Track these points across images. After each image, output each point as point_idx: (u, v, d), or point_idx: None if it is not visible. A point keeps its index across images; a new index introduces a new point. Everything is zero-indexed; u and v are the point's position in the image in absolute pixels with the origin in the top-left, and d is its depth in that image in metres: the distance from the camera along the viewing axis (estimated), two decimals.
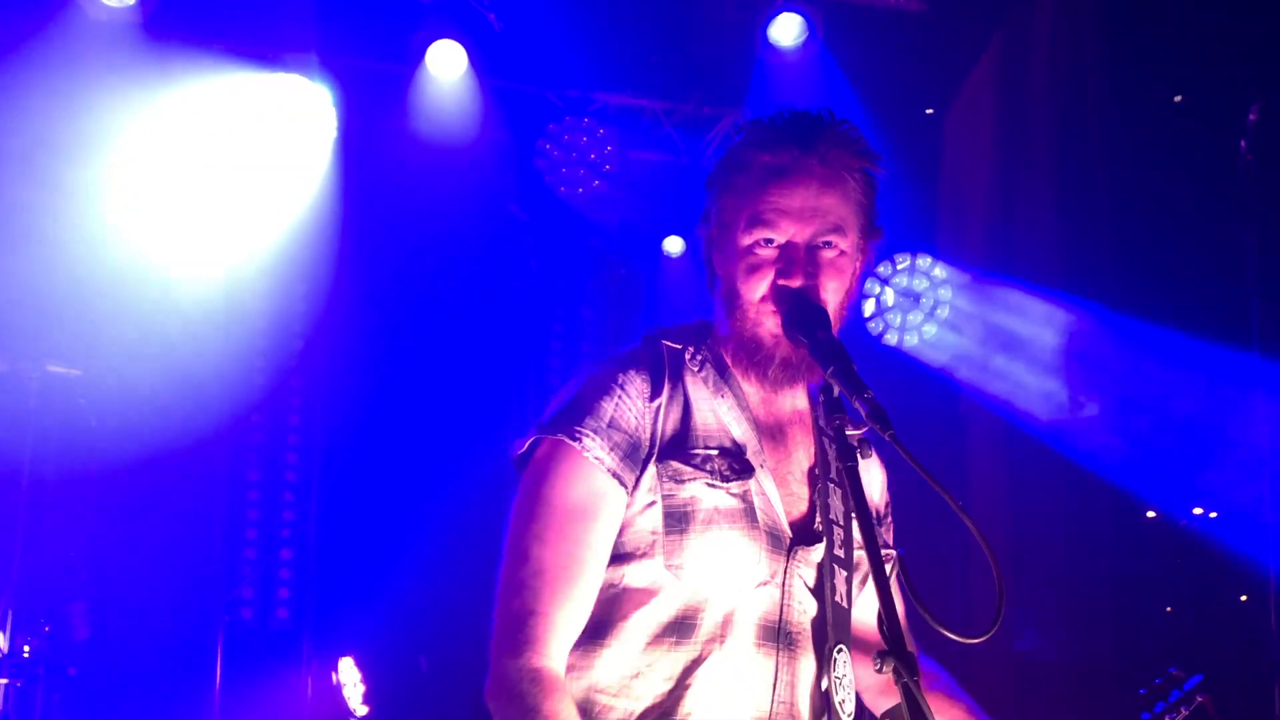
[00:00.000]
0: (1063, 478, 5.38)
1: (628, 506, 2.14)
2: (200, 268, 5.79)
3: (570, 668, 2.11)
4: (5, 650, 4.40)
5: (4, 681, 4.50)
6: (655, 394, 2.21)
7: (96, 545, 5.31)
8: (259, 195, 5.92)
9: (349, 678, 5.71)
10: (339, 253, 6.10)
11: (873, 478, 2.40)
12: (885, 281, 6.00)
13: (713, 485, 2.15)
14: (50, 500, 5.03)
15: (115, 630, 5.34)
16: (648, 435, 2.17)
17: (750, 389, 2.26)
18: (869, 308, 6.00)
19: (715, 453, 2.18)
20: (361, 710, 5.77)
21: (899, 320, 5.93)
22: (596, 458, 2.13)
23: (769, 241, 2.18)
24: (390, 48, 5.90)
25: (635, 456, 2.15)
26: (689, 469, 2.16)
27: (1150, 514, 5.36)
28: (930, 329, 5.89)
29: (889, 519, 2.42)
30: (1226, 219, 5.01)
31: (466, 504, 5.76)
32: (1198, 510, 5.21)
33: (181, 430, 5.56)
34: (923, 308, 5.91)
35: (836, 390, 2.08)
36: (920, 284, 5.94)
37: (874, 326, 6.00)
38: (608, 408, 2.16)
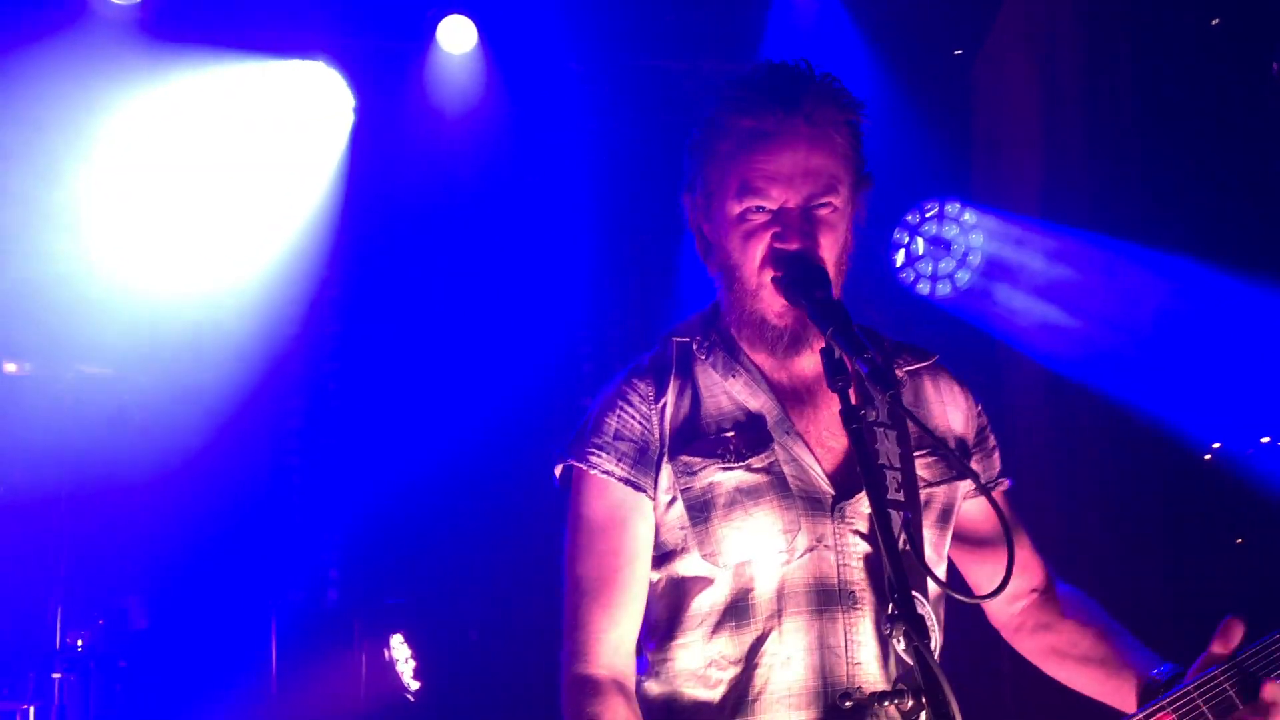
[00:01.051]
0: (1110, 422, 5.28)
1: (655, 509, 2.21)
2: (225, 260, 5.84)
3: (651, 665, 2.21)
4: None
5: (58, 676, 4.63)
6: (660, 395, 2.26)
7: (146, 539, 5.40)
8: (280, 184, 5.96)
9: (400, 654, 5.79)
10: (361, 237, 6.12)
11: (953, 406, 2.36)
12: (915, 230, 5.91)
13: (729, 467, 2.17)
14: (96, 497, 5.12)
15: (171, 620, 5.45)
16: (656, 436, 2.23)
17: (765, 357, 2.26)
18: (900, 258, 5.92)
19: (730, 433, 2.19)
20: (414, 685, 5.86)
21: (930, 269, 5.84)
22: (605, 472, 2.22)
23: (761, 208, 2.17)
24: (399, 27, 5.88)
25: (646, 460, 2.22)
26: (699, 459, 2.20)
27: (1215, 445, 5.25)
28: (963, 276, 5.80)
29: (986, 444, 2.39)
30: (1268, 148, 4.86)
31: (508, 480, 5.79)
32: (1265, 439, 5.09)
33: (221, 421, 5.63)
34: (954, 255, 5.82)
35: (838, 352, 2.06)
36: (950, 231, 5.85)
37: (905, 276, 5.91)
38: (611, 422, 2.26)
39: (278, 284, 5.99)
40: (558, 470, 2.30)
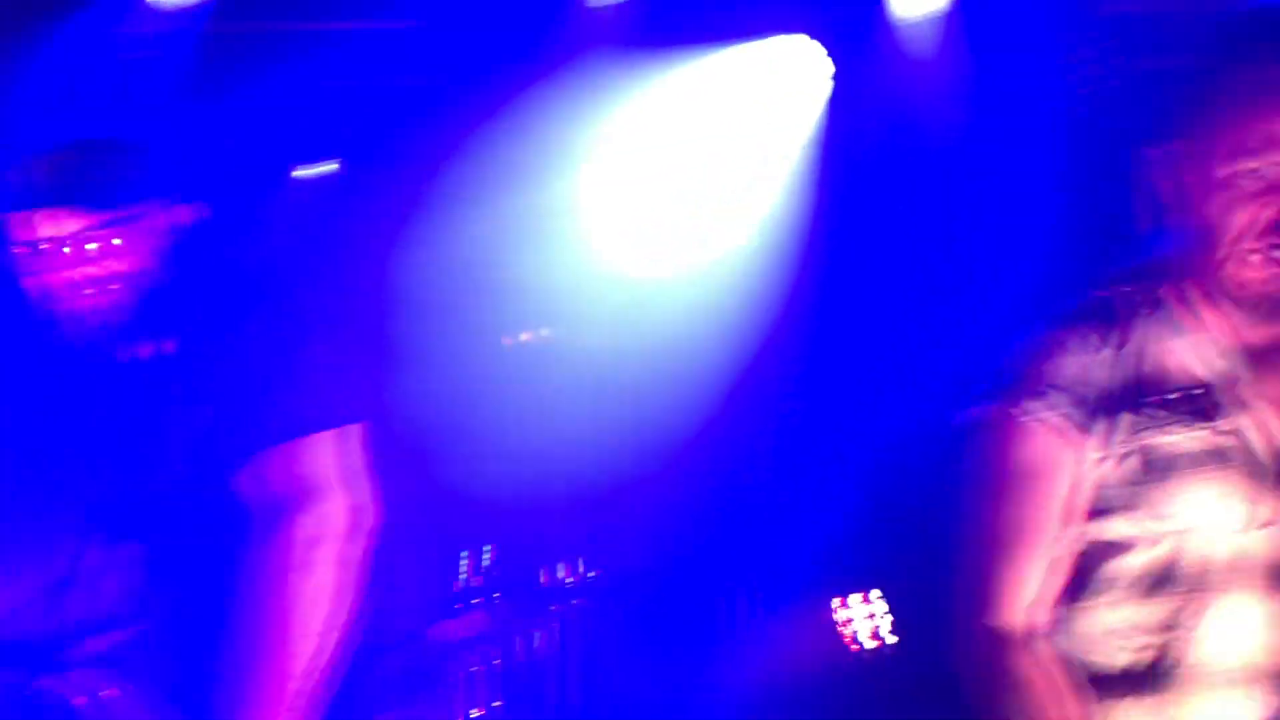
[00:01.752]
0: None
1: (1090, 462, 2.14)
2: (709, 239, 6.24)
3: (1063, 622, 2.20)
4: None
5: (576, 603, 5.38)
6: (1104, 343, 2.17)
7: (587, 494, 5.82)
8: (763, 161, 6.25)
9: (862, 611, 5.95)
10: (839, 204, 6.22)
11: None
12: None
13: (1189, 428, 2.11)
14: (535, 458, 5.50)
15: (652, 570, 5.96)
16: (1101, 385, 2.15)
17: (1220, 319, 2.17)
18: None
19: (1186, 393, 2.13)
20: (890, 639, 5.99)
21: None
22: (1041, 419, 2.16)
23: (1255, 171, 2.06)
24: None
25: (1089, 409, 2.15)
26: (1155, 413, 2.12)
27: None
28: None
29: None
30: None
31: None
32: None
33: (709, 388, 5.99)
34: None
35: None
36: None
37: None
38: (1053, 366, 2.17)
39: (762, 258, 6.24)
40: (976, 412, 2.23)
